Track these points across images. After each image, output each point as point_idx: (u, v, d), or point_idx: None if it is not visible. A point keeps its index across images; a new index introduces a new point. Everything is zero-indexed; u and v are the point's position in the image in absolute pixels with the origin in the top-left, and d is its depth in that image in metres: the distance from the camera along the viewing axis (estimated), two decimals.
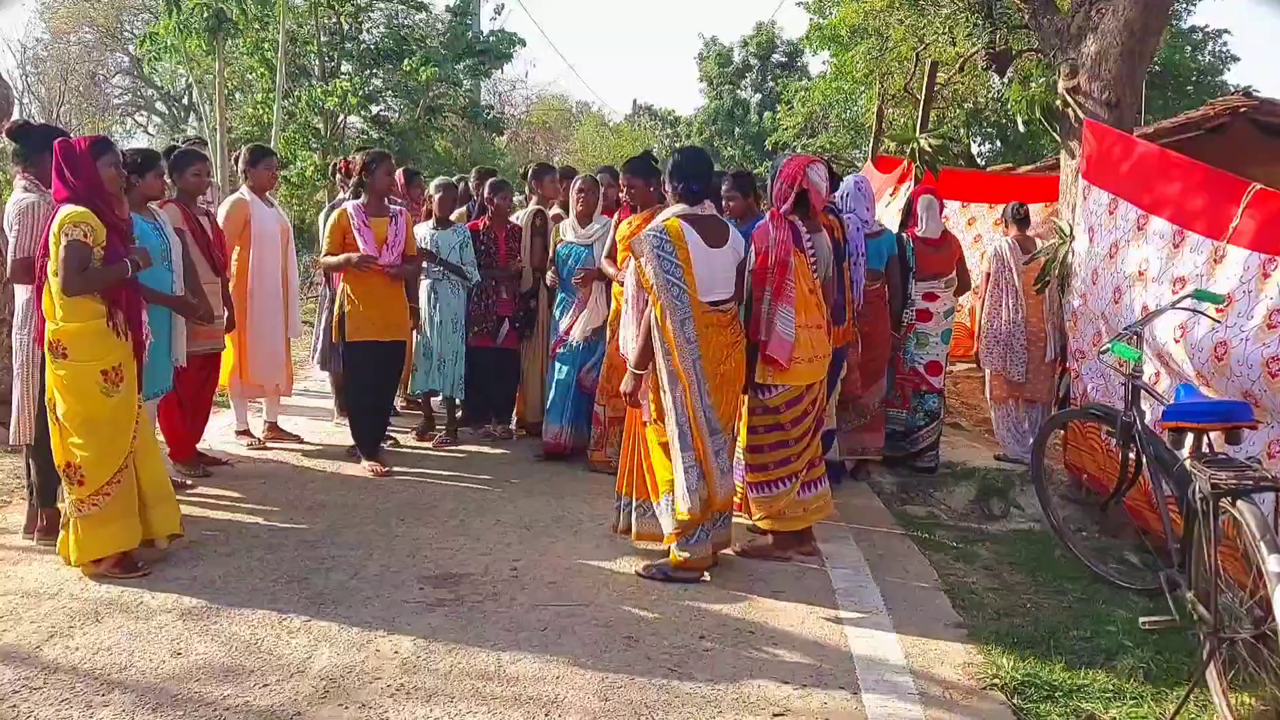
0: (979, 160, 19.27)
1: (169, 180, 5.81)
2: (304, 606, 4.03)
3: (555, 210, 7.25)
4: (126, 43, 30.24)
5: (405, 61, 19.73)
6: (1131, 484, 4.62)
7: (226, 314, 6.03)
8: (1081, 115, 5.82)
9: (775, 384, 4.67)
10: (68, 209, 4.19)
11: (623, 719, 3.25)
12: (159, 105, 33.80)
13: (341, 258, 5.99)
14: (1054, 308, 6.47)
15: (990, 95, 17.54)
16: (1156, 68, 18.67)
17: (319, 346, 6.97)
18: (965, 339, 9.69)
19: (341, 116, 19.66)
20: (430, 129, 21.02)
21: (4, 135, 4.86)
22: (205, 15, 16.31)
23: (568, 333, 6.45)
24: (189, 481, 5.69)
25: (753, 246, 4.69)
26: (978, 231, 9.98)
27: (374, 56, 20.30)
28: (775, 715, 3.32)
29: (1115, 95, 5.76)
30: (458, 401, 7.07)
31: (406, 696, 3.34)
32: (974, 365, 10.42)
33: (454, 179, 8.11)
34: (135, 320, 4.41)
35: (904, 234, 6.74)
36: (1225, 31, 22.33)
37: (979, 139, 20.35)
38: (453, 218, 7.11)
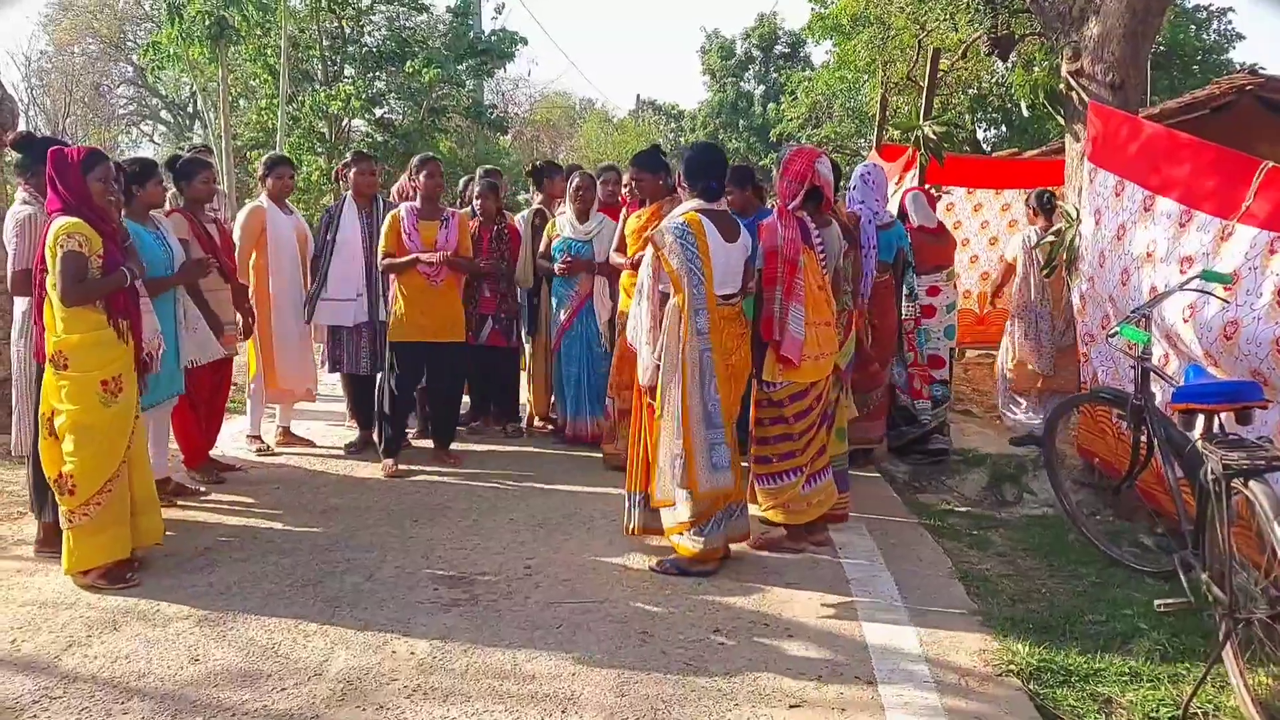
0: (984, 146, 19.23)
1: (174, 188, 5.85)
2: (320, 610, 4.05)
3: (561, 209, 7.26)
4: (130, 53, 30.38)
5: (408, 63, 19.74)
6: (1143, 467, 4.61)
7: (241, 320, 6.05)
8: (1086, 98, 5.80)
9: (780, 380, 4.68)
10: (61, 220, 4.20)
11: (639, 714, 3.25)
12: (164, 114, 33.96)
13: (386, 262, 6.13)
14: (1066, 295, 6.46)
15: (994, 80, 17.46)
16: (1160, 48, 18.56)
17: (324, 349, 7.02)
18: (973, 324, 9.68)
19: (346, 120, 19.68)
20: (434, 130, 21.02)
21: (9, 147, 4.89)
22: (207, 23, 16.35)
23: (568, 325, 6.49)
24: (202, 489, 5.72)
25: (761, 243, 4.69)
26: (984, 218, 9.94)
27: (376, 59, 20.30)
28: (791, 706, 3.32)
29: (1119, 77, 5.73)
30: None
31: (424, 697, 3.35)
32: (984, 351, 10.43)
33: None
34: (136, 327, 4.43)
35: (901, 226, 6.72)
36: (1229, 10, 22.19)
37: (984, 125, 20.26)
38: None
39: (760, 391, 4.77)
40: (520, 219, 7.32)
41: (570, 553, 4.78)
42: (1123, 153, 5.27)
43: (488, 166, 8.28)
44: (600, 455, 6.40)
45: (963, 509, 5.78)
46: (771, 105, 32.99)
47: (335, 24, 19.93)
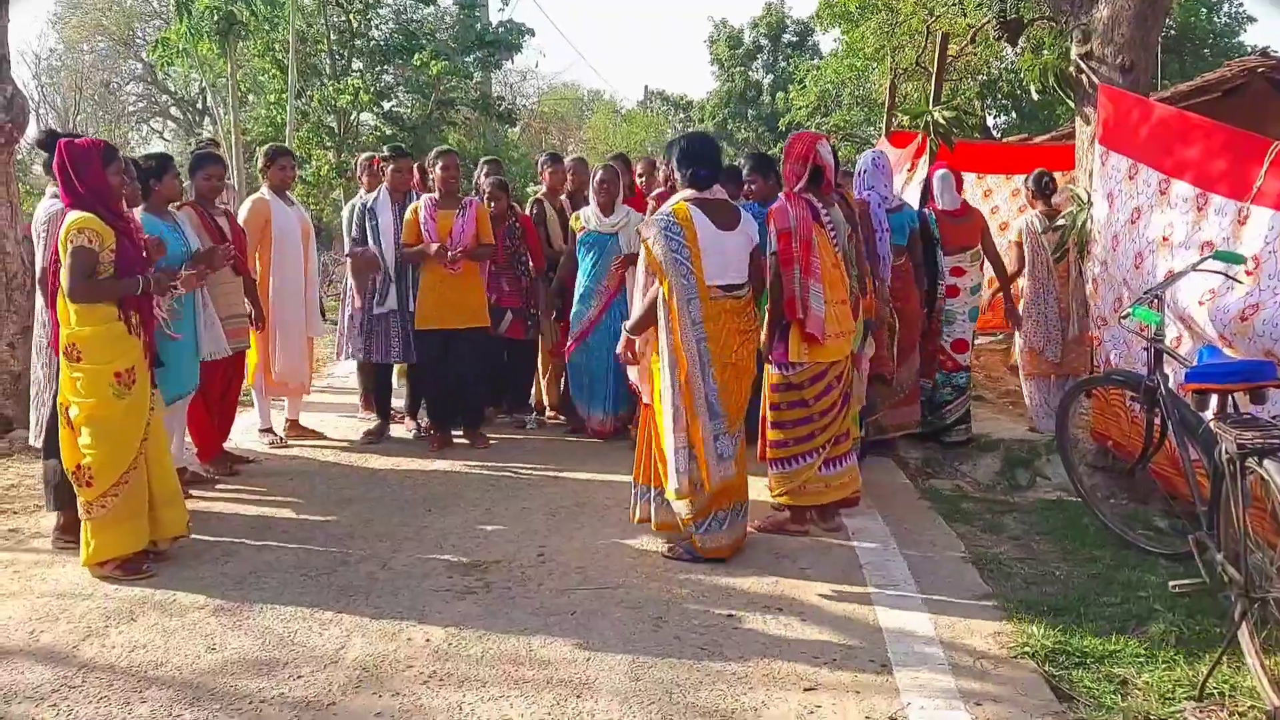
0: (994, 132, 19.16)
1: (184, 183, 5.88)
2: (334, 599, 4.07)
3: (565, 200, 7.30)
4: (139, 49, 30.44)
5: (415, 56, 19.76)
6: (1157, 449, 4.60)
7: (253, 312, 6.08)
8: (1096, 81, 5.76)
9: (803, 360, 4.67)
10: (74, 215, 4.22)
11: (654, 699, 3.26)
12: (173, 110, 34.01)
13: (404, 252, 6.42)
14: (1077, 281, 6.43)
15: (1003, 66, 17.40)
16: (1171, 31, 18.47)
17: (338, 340, 7.03)
18: (985, 312, 9.63)
19: (354, 114, 19.71)
20: (443, 123, 21.05)
21: (35, 145, 4.92)
22: (216, 19, 16.40)
23: (597, 319, 6.48)
24: (216, 477, 5.74)
25: (772, 227, 4.69)
26: (994, 204, 9.89)
27: (384, 53, 20.33)
28: (806, 690, 3.33)
29: (1129, 59, 5.69)
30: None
31: (440, 683, 3.37)
32: (996, 337, 10.40)
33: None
34: (148, 322, 4.45)
35: (925, 209, 6.71)
36: None
37: (993, 110, 20.20)
38: None
39: (779, 375, 4.77)
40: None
41: (583, 540, 4.79)
42: (1134, 135, 5.24)
43: (489, 158, 8.29)
44: (613, 444, 6.41)
45: (976, 494, 5.77)
46: (780, 94, 32.89)
47: (343, 18, 19.96)
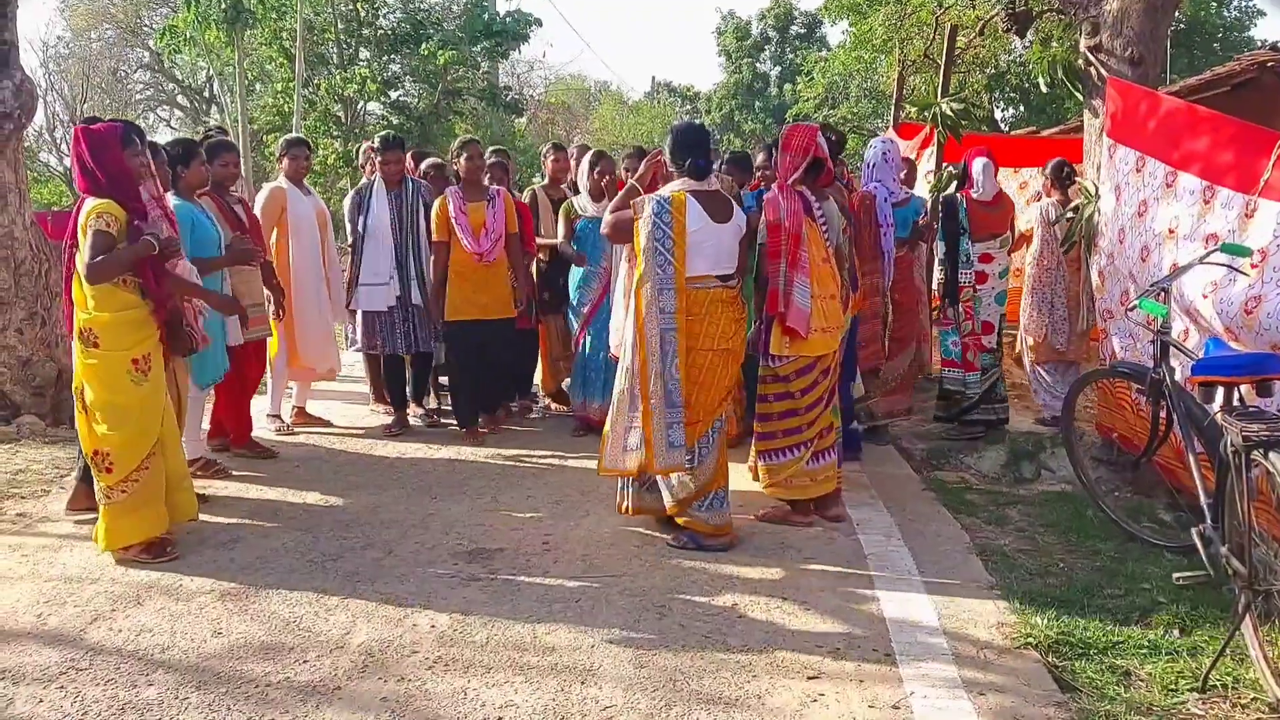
0: (1002, 125, 19.11)
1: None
2: (341, 584, 4.09)
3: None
4: (147, 38, 30.48)
5: (423, 46, 19.77)
6: (1162, 441, 4.60)
7: (273, 300, 6.12)
8: (1104, 73, 5.75)
9: (786, 354, 4.68)
10: (92, 202, 4.23)
11: (658, 686, 3.27)
12: (180, 99, 34.06)
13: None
14: (1085, 272, 6.42)
15: (1012, 59, 17.35)
16: (1181, 25, 18.39)
17: (349, 331, 7.03)
18: None
19: (361, 103, 19.74)
20: (450, 112, 21.07)
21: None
22: (223, 7, 16.41)
23: (596, 307, 6.49)
24: (221, 462, 5.76)
25: (763, 218, 4.69)
26: None
27: (391, 42, 20.35)
28: (810, 678, 3.34)
29: (1138, 52, 5.68)
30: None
31: (445, 668, 3.38)
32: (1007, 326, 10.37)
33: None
34: (161, 305, 4.45)
35: (959, 194, 6.69)
36: None
37: (1001, 103, 20.15)
38: None
39: (766, 367, 4.78)
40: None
41: (588, 528, 4.81)
42: (1142, 128, 5.23)
43: (496, 147, 8.29)
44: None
45: (981, 485, 5.78)
46: (787, 86, 32.89)
47: (350, 7, 19.97)
